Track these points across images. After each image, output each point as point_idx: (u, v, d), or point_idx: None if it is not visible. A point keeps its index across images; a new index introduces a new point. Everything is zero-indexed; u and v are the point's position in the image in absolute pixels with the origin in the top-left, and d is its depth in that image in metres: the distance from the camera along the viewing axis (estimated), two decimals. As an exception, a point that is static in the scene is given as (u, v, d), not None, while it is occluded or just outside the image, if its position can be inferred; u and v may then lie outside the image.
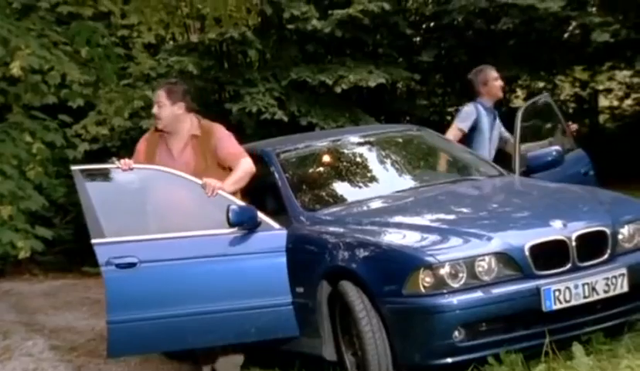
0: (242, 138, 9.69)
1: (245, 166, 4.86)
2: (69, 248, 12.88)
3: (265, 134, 8.87)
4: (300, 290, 4.83)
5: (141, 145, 5.01)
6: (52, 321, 8.22)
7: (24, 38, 6.70)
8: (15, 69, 6.55)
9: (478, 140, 6.13)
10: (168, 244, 4.69)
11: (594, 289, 4.22)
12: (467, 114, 6.19)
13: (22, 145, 6.93)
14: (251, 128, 10.88)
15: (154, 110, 4.84)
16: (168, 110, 4.78)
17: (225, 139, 4.90)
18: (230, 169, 4.86)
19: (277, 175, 5.38)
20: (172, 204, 4.82)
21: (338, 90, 10.77)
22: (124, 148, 13.05)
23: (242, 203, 4.78)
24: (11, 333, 7.59)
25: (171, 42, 12.23)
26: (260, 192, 5.57)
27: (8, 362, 6.48)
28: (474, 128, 6.12)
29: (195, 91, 10.89)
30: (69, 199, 13.07)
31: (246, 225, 4.75)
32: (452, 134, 6.16)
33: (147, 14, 9.60)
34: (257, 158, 5.72)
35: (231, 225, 4.69)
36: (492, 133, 6.23)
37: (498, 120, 6.34)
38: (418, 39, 12.89)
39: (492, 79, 6.26)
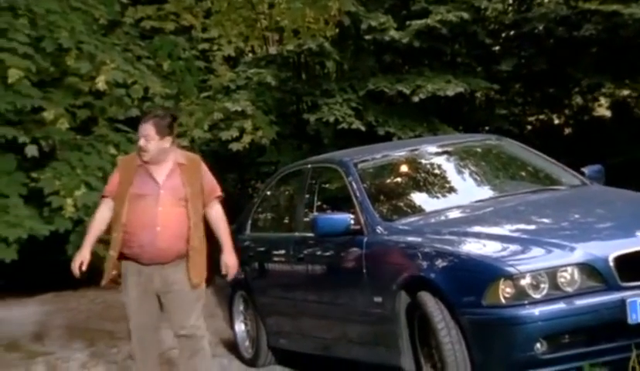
0: (319, 148, 9.82)
1: (222, 215, 4.88)
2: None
3: (342, 145, 8.89)
4: (378, 300, 4.82)
5: (114, 177, 4.89)
6: (135, 328, 8.38)
7: (109, 53, 6.88)
8: (101, 83, 6.73)
9: None
10: None
11: (682, 301, 4.08)
12: None
13: (107, 157, 7.10)
14: (328, 138, 10.93)
15: (141, 142, 4.68)
16: (156, 144, 4.65)
17: (208, 174, 4.88)
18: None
19: (354, 185, 5.38)
20: None
21: (415, 99, 10.73)
22: (205, 159, 13.29)
23: None
24: (97, 340, 7.80)
25: (250, 55, 12.41)
26: (337, 202, 5.60)
27: (94, 369, 6.65)
28: None
29: (273, 102, 11.05)
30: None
31: None
32: None
33: (227, 27, 9.79)
34: (334, 168, 5.80)
35: None
36: None
37: None
38: (497, 47, 12.73)
39: None
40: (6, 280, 11.90)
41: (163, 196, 4.64)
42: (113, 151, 7.19)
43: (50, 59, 6.76)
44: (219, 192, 4.87)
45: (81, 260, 4.72)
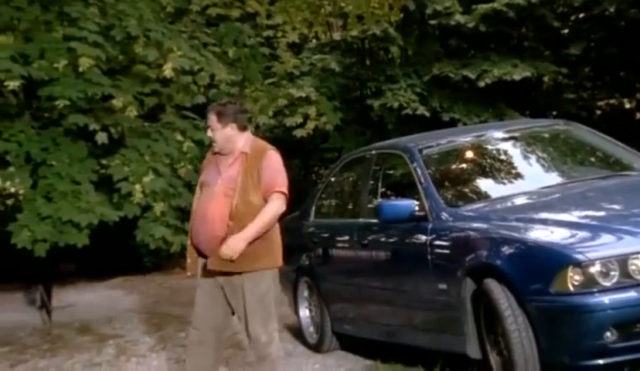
0: (383, 134, 9.78)
1: (271, 210, 4.50)
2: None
3: (406, 130, 8.84)
4: (443, 287, 4.79)
5: (202, 165, 4.97)
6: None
7: (176, 40, 6.96)
8: (168, 70, 6.83)
9: None
10: None
11: None
12: None
13: (174, 144, 7.19)
14: (392, 124, 10.89)
15: (208, 133, 4.70)
16: (220, 132, 4.59)
17: (272, 166, 4.57)
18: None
19: (419, 171, 5.35)
20: None
21: (481, 84, 10.59)
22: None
23: None
24: (165, 324, 7.95)
25: (314, 41, 12.42)
26: (401, 189, 5.58)
27: (163, 352, 6.78)
28: None
29: (337, 88, 11.04)
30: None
31: None
32: None
33: (291, 14, 9.80)
34: (398, 154, 5.77)
35: None
36: None
37: None
38: (566, 31, 12.45)
39: None
40: (78, 264, 12.24)
41: (218, 186, 4.55)
42: (180, 137, 7.29)
43: (119, 48, 6.88)
44: (278, 187, 4.52)
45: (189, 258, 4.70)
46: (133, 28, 6.66)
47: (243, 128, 4.66)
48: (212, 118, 4.61)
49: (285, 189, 4.57)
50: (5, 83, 5.95)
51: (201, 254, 4.62)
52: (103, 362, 6.54)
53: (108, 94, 6.57)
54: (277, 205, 4.51)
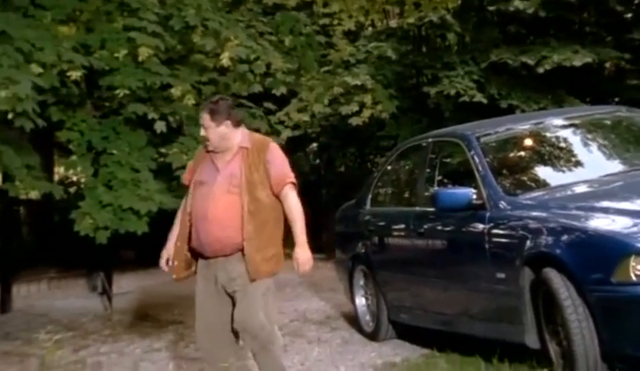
0: (439, 122, 9.69)
1: (296, 204, 4.40)
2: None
3: (463, 118, 8.75)
4: (501, 276, 4.75)
5: (189, 165, 4.83)
6: (258, 299, 8.59)
7: (233, 30, 6.99)
8: (225, 59, 6.86)
9: None
10: None
11: None
12: None
13: (230, 132, 7.24)
14: (449, 111, 10.78)
15: (202, 132, 4.55)
16: (214, 131, 4.44)
17: (278, 158, 4.47)
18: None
19: (477, 160, 5.31)
20: None
21: (540, 70, 10.39)
22: (324, 134, 13.42)
23: None
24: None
25: (370, 29, 12.36)
26: (458, 177, 5.53)
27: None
28: None
29: (393, 76, 10.98)
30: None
31: None
32: None
33: (348, 2, 9.76)
34: (455, 142, 5.72)
35: None
36: None
37: None
38: (629, 15, 12.13)
39: None
40: (137, 252, 12.44)
41: (219, 184, 4.40)
42: (236, 126, 7.33)
43: (178, 37, 6.94)
44: (289, 179, 4.43)
45: (167, 256, 4.59)
46: (191, 17, 6.72)
47: (237, 124, 4.51)
48: (205, 117, 4.47)
49: (294, 179, 4.48)
50: (68, 74, 6.05)
51: (200, 255, 4.48)
52: (163, 347, 6.65)
53: (167, 83, 6.64)
54: (296, 198, 4.42)
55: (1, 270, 8.93)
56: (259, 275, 4.37)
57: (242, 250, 4.35)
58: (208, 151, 4.54)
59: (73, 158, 6.71)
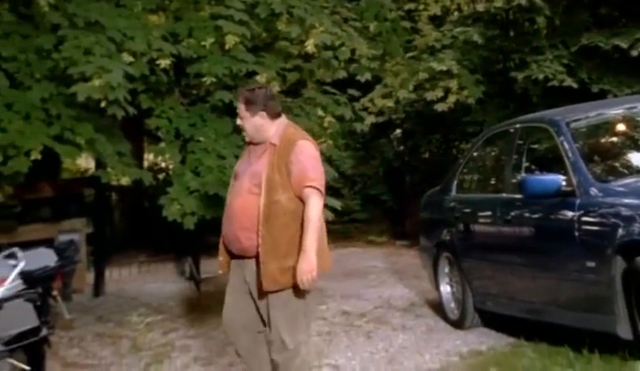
0: (527, 107, 9.49)
1: (314, 213, 3.95)
2: (356, 218, 13.46)
3: (552, 103, 8.54)
4: (591, 264, 4.63)
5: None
6: (342, 287, 8.64)
7: (318, 16, 7.01)
8: (310, 46, 6.89)
9: None
10: None
11: None
12: None
13: (315, 119, 7.27)
14: (537, 97, 10.54)
15: (237, 122, 4.30)
16: (249, 121, 4.17)
17: (304, 159, 4.05)
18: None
19: (566, 145, 5.18)
20: None
21: (634, 53, 10.04)
22: (409, 120, 13.32)
23: None
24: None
25: (456, 13, 12.19)
26: (546, 163, 5.41)
27: (304, 323, 6.91)
28: None
29: (479, 61, 10.81)
30: (356, 170, 13.66)
31: None
32: None
33: (434, -14, 9.66)
34: (544, 128, 5.59)
35: None
36: None
37: None
38: None
39: None
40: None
41: (244, 181, 4.16)
42: (321, 113, 7.36)
43: (263, 25, 7.00)
44: (310, 182, 3.98)
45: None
46: (277, 5, 6.76)
47: (274, 116, 4.19)
48: (241, 107, 4.21)
49: (318, 184, 4.00)
50: (157, 62, 6.19)
51: (230, 252, 4.26)
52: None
53: (252, 71, 6.71)
54: (316, 203, 3.95)
55: (95, 255, 9.20)
56: (274, 286, 4.00)
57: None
58: (249, 143, 4.31)
59: (162, 145, 6.86)
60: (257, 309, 4.17)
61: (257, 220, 4.00)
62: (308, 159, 4.08)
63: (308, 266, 3.89)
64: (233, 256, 4.24)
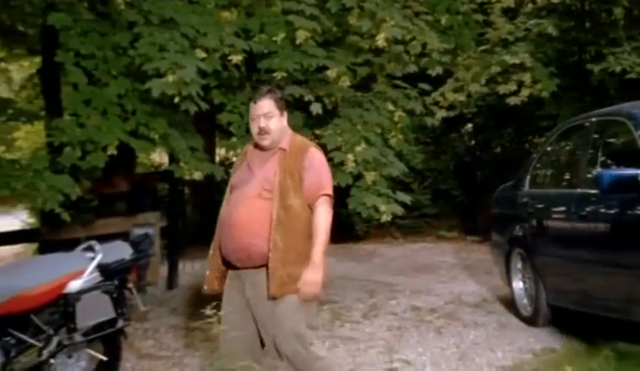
0: (603, 101, 9.27)
1: (324, 221, 3.93)
2: (426, 213, 13.38)
3: (629, 96, 8.31)
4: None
5: (236, 163, 4.41)
6: (412, 282, 8.61)
7: (389, 10, 6.97)
8: (380, 40, 6.86)
9: None
10: None
11: None
12: None
13: (385, 113, 7.25)
14: (614, 89, 10.30)
15: (262, 123, 4.00)
16: (278, 121, 4.01)
17: (316, 166, 3.99)
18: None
19: (645, 140, 5.05)
20: None
21: None
22: (480, 114, 13.17)
23: None
24: (377, 292, 8.10)
25: (530, 5, 11.97)
26: (623, 158, 5.28)
27: (375, 319, 6.92)
28: None
29: (554, 53, 10.60)
30: (426, 165, 13.57)
31: None
32: None
33: (507, -22, 9.51)
34: (621, 121, 5.46)
35: None
36: None
37: None
38: None
39: None
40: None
41: (251, 187, 4.00)
42: (391, 107, 7.34)
43: (334, 19, 7.01)
44: (324, 191, 3.96)
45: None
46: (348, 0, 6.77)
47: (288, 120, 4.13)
48: (270, 104, 4.02)
49: (331, 191, 4.00)
50: (230, 58, 6.26)
51: (229, 265, 4.11)
52: (320, 326, 6.77)
53: (322, 65, 6.73)
54: (326, 211, 3.95)
55: (168, 248, 9.37)
56: (281, 293, 3.89)
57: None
58: (255, 147, 4.13)
59: (234, 139, 6.93)
60: (256, 325, 4.03)
61: (268, 225, 3.91)
62: (322, 167, 4.05)
63: (315, 280, 3.89)
64: (231, 268, 4.10)
